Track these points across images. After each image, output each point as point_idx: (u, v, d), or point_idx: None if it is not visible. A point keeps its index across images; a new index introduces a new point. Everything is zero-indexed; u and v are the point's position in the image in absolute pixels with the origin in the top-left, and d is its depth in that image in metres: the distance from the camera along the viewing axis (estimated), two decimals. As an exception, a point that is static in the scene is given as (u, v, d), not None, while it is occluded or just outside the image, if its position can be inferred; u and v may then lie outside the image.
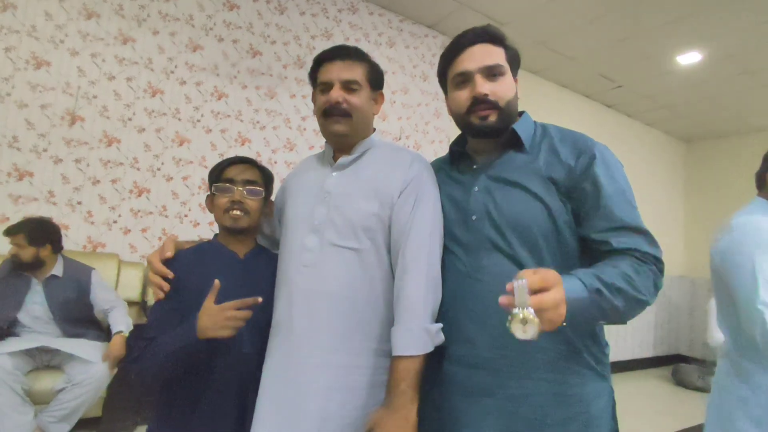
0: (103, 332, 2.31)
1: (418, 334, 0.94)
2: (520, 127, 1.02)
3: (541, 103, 4.80)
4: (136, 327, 2.32)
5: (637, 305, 0.85)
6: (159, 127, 3.02)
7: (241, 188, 1.12)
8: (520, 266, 0.92)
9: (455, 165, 1.13)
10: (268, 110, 3.39)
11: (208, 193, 1.17)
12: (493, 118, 0.99)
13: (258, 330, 1.09)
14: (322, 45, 3.59)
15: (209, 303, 0.99)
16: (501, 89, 0.99)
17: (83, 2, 2.79)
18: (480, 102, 0.99)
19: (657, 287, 0.87)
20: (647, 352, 5.63)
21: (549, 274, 0.73)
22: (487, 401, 0.92)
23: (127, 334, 2.20)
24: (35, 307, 2.14)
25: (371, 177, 1.07)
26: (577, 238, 0.95)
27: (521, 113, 1.07)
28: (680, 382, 4.78)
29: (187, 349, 0.98)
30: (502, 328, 0.70)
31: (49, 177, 2.70)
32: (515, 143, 1.02)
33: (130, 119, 2.93)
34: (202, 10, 3.16)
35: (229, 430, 1.05)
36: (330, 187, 1.08)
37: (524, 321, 0.64)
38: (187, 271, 1.09)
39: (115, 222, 2.88)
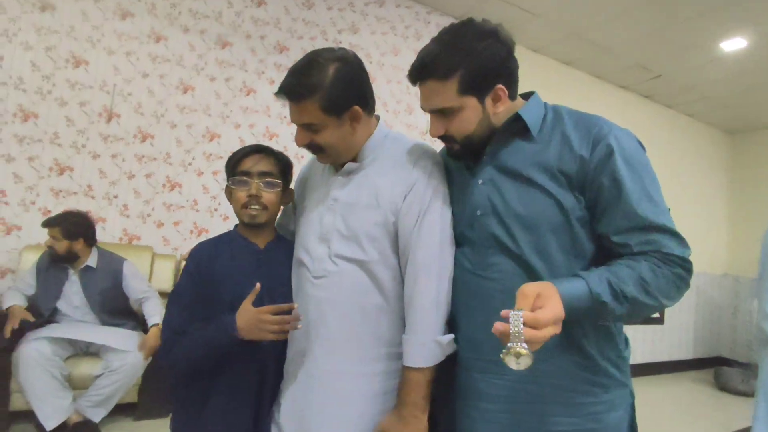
0: (139, 323, 2.39)
1: (428, 347, 0.92)
2: (528, 113, 0.92)
3: (575, 94, 4.65)
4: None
5: (648, 311, 0.81)
6: (190, 123, 3.09)
7: (257, 181, 1.09)
8: (527, 267, 0.87)
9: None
10: (295, 105, 3.40)
11: (227, 184, 1.17)
12: (457, 148, 0.96)
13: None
14: (349, 39, 3.59)
15: (246, 304, 0.99)
16: (454, 127, 0.92)
17: (118, 2, 2.88)
18: (441, 137, 0.96)
19: (680, 290, 0.81)
20: (686, 354, 5.39)
21: (545, 312, 0.69)
22: (489, 407, 0.89)
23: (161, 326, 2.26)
24: (73, 296, 2.24)
25: (374, 183, 1.01)
26: (593, 235, 0.88)
27: (530, 94, 0.98)
28: (723, 386, 4.55)
29: (225, 349, 1.00)
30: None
31: (88, 172, 2.81)
32: (523, 130, 0.92)
33: (162, 115, 3.01)
34: (231, 7, 3.21)
35: (245, 424, 1.06)
36: (336, 194, 1.05)
37: (518, 355, 0.64)
38: (208, 263, 1.11)
39: (149, 215, 2.97)
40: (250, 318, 0.97)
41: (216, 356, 1.01)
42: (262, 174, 1.10)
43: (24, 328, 2.05)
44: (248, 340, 0.99)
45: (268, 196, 1.11)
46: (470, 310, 0.93)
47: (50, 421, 1.98)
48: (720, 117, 5.64)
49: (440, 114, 0.93)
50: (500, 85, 0.89)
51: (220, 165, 3.18)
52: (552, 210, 0.86)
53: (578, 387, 0.86)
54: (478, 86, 0.89)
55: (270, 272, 1.10)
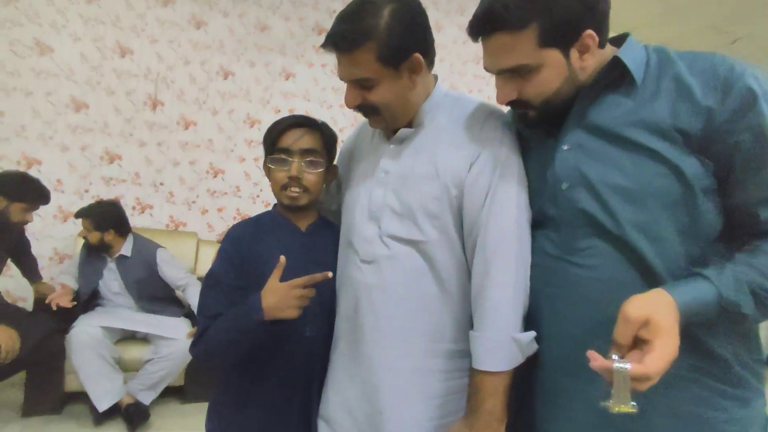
0: (182, 308, 2.42)
1: (506, 346, 0.77)
2: (628, 56, 0.72)
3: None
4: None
5: None
6: (231, 109, 3.08)
7: (298, 160, 0.97)
8: (631, 252, 0.69)
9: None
10: (334, 88, 3.32)
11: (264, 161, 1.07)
12: (532, 114, 0.80)
13: (321, 311, 0.99)
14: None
15: (274, 281, 0.89)
16: (531, 89, 0.76)
17: (160, -11, 2.89)
18: (511, 103, 0.81)
19: None
20: None
21: (655, 360, 0.56)
22: (581, 418, 0.73)
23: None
24: (113, 283, 2.28)
25: (432, 151, 0.87)
26: (720, 209, 0.69)
27: (623, 38, 0.77)
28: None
29: (252, 332, 0.90)
30: (601, 327, 0.57)
31: (135, 160, 2.86)
32: (619, 80, 0.73)
33: (204, 102, 3.01)
34: (270, -11, 3.14)
35: (293, 419, 0.98)
36: (387, 165, 0.92)
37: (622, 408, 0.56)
38: (248, 247, 1.02)
39: (193, 202, 3.01)
40: (282, 295, 0.87)
41: (246, 342, 0.91)
42: (305, 152, 0.97)
43: (74, 311, 2.11)
44: (275, 321, 0.89)
45: (310, 177, 0.98)
46: (555, 303, 0.77)
47: (102, 402, 2.04)
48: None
49: (512, 74, 0.76)
50: (589, 31, 0.71)
51: (261, 151, 3.14)
52: (666, 180, 0.68)
53: (703, 399, 0.68)
54: (562, 35, 0.71)
55: (314, 257, 1.00)
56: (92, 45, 2.74)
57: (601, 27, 0.72)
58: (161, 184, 2.92)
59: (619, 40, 0.78)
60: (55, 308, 2.04)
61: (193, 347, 0.97)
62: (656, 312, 0.58)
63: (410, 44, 0.82)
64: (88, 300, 2.25)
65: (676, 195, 0.67)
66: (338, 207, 1.12)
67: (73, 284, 2.23)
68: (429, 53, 0.86)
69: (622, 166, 0.71)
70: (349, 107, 0.88)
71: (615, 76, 0.73)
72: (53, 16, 2.64)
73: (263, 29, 3.14)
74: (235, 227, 1.07)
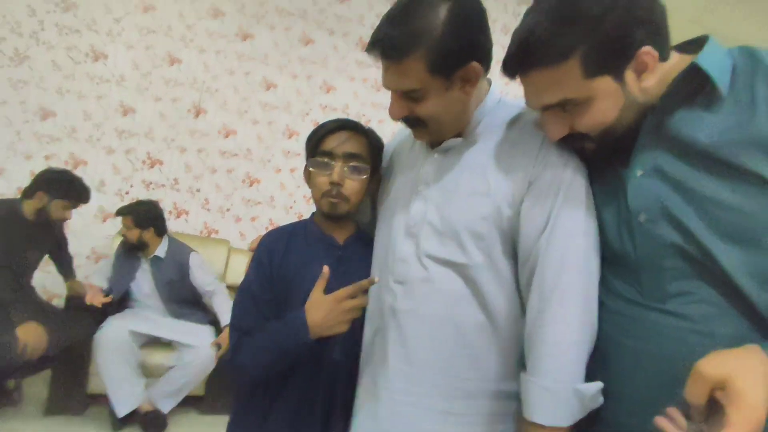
0: (209, 314, 2.39)
1: (565, 398, 0.65)
2: (709, 61, 0.60)
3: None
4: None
5: None
6: (271, 120, 3.10)
7: (341, 164, 0.90)
8: (742, 300, 0.56)
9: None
10: (374, 103, 3.30)
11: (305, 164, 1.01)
12: (592, 147, 0.70)
13: (351, 333, 0.90)
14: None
15: (318, 294, 0.82)
16: (584, 123, 0.67)
17: (211, 1, 2.96)
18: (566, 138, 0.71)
19: None
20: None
21: None
22: None
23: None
24: (144, 284, 2.29)
25: (483, 164, 0.77)
26: None
27: (699, 41, 0.65)
28: None
29: (295, 352, 0.82)
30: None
31: (175, 165, 2.91)
32: (698, 91, 0.62)
33: (246, 112, 3.04)
34: (315, 4, 3.18)
35: None
36: (429, 176, 0.82)
37: None
38: (280, 256, 0.95)
39: (228, 210, 3.02)
40: (329, 309, 0.79)
41: (287, 361, 0.84)
42: (349, 156, 0.90)
43: (105, 310, 2.12)
44: (321, 339, 0.81)
45: (353, 184, 0.91)
46: (635, 357, 0.64)
47: (123, 407, 2.01)
48: None
49: (559, 109, 0.66)
50: (646, 48, 0.60)
51: (298, 162, 3.15)
52: None
53: None
54: (611, 60, 0.61)
55: (350, 273, 0.91)
56: (144, 53, 2.83)
57: (659, 39, 0.61)
58: (198, 190, 2.95)
59: (695, 44, 0.66)
60: (93, 304, 2.05)
61: (229, 363, 0.91)
62: (738, 374, 0.46)
63: (467, 51, 0.72)
64: (119, 301, 2.26)
65: None
66: (369, 219, 1.04)
67: (104, 284, 2.24)
68: (488, 59, 0.76)
69: (719, 196, 0.58)
70: (394, 119, 0.79)
71: (693, 87, 0.62)
72: (109, 24, 2.75)
73: (307, 43, 3.16)
74: (268, 235, 1.00)
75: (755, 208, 0.56)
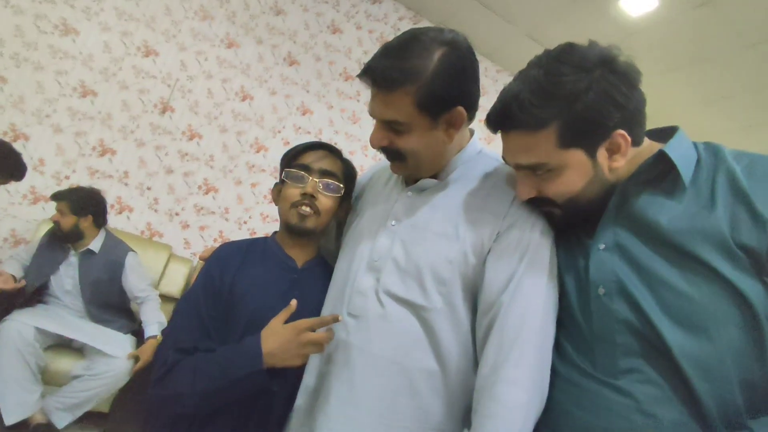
0: (133, 323, 2.18)
1: None
2: (676, 152, 0.65)
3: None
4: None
5: None
6: (241, 130, 3.02)
7: (316, 179, 0.90)
8: (684, 386, 0.58)
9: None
10: (348, 134, 3.31)
11: (277, 182, 0.98)
12: (558, 212, 0.74)
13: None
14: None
15: (278, 323, 0.78)
16: (552, 189, 0.71)
17: (202, 4, 2.92)
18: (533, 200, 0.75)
19: None
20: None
21: None
22: None
23: (160, 338, 2.04)
24: (67, 279, 2.05)
25: (455, 209, 0.78)
26: None
27: (669, 131, 0.71)
28: None
29: (244, 381, 0.75)
30: None
31: (129, 158, 2.73)
32: (662, 177, 0.66)
33: (216, 118, 2.95)
34: (307, 29, 3.21)
35: None
36: (400, 213, 0.82)
37: None
38: (234, 271, 0.89)
39: (177, 214, 2.84)
40: (287, 339, 0.75)
41: (234, 392, 0.76)
42: (324, 172, 0.91)
43: (13, 301, 1.87)
44: (274, 368, 0.76)
45: (325, 200, 0.91)
46: (580, 426, 0.64)
47: (11, 416, 1.74)
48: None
49: (532, 171, 0.70)
50: (620, 131, 0.65)
51: (261, 178, 3.06)
52: (726, 305, 0.58)
53: None
54: (586, 136, 0.65)
55: (303, 298, 0.86)
56: (119, 38, 2.70)
57: (634, 125, 0.66)
58: (148, 188, 2.77)
59: (665, 133, 0.71)
60: None
61: (157, 386, 0.79)
62: None
63: (455, 95, 0.74)
64: (32, 293, 2.00)
65: (739, 326, 0.57)
66: (336, 249, 1.01)
67: (18, 272, 1.99)
68: (473, 107, 0.79)
69: (672, 281, 0.61)
70: (374, 147, 0.80)
71: (658, 173, 0.66)
72: (88, 2, 2.62)
73: (292, 63, 3.17)
74: (224, 247, 0.95)
75: (705, 298, 0.59)
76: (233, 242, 0.97)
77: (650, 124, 0.72)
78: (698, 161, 0.66)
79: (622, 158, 0.67)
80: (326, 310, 0.87)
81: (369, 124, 3.50)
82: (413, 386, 0.73)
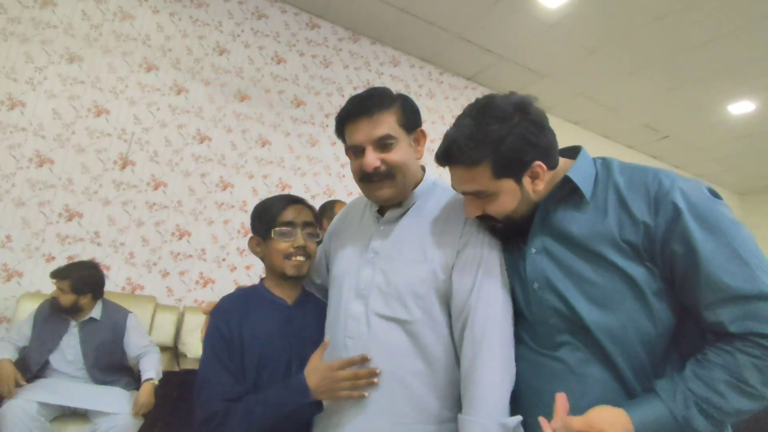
0: (135, 379, 2.22)
1: (493, 431, 0.79)
2: (578, 174, 0.83)
3: (583, 154, 4.69)
4: (167, 374, 2.22)
5: (752, 411, 0.69)
6: (204, 172, 3.08)
7: (302, 231, 1.06)
8: (601, 351, 0.77)
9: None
10: (309, 157, 3.42)
11: (251, 235, 1.10)
12: (499, 226, 0.92)
13: None
14: (364, 96, 3.67)
15: (317, 360, 0.92)
16: (492, 209, 0.88)
17: (144, 56, 2.97)
18: (479, 217, 0.94)
19: None
20: None
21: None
22: None
23: (156, 382, 2.10)
24: (69, 350, 2.07)
25: (420, 236, 0.94)
26: (675, 305, 0.76)
27: (576, 149, 0.89)
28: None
29: (298, 414, 0.90)
30: None
31: (97, 218, 2.75)
32: (572, 195, 0.84)
33: (177, 164, 3.00)
34: (252, 63, 3.31)
35: None
36: (376, 246, 0.98)
37: None
38: (239, 319, 1.01)
39: (154, 264, 2.88)
40: (324, 375, 0.89)
41: (286, 425, 0.90)
42: (306, 224, 1.07)
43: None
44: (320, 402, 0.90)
45: (311, 246, 1.08)
46: (541, 394, 0.81)
47: (26, 493, 1.76)
48: (729, 178, 5.66)
49: (475, 196, 0.87)
50: (537, 162, 0.82)
51: (232, 215, 3.13)
52: (622, 286, 0.76)
53: None
54: (512, 169, 0.82)
55: (299, 330, 1.03)
56: (67, 103, 2.73)
57: (547, 157, 0.84)
58: (122, 244, 2.80)
59: (575, 151, 0.90)
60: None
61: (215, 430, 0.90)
62: (612, 425, 0.67)
63: (417, 121, 0.97)
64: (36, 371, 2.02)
65: (632, 300, 0.75)
66: (323, 282, 1.16)
67: (13, 355, 2.00)
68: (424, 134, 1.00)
69: (584, 273, 0.79)
70: (368, 170, 0.93)
71: (567, 192, 0.84)
72: (30, 72, 2.64)
73: (243, 99, 3.26)
74: (224, 302, 1.06)
75: (608, 283, 0.77)
76: (231, 294, 1.09)
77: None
78: (596, 177, 0.84)
79: (541, 182, 0.84)
80: (328, 329, 1.01)
81: (327, 146, 3.64)
82: (409, 388, 0.87)
